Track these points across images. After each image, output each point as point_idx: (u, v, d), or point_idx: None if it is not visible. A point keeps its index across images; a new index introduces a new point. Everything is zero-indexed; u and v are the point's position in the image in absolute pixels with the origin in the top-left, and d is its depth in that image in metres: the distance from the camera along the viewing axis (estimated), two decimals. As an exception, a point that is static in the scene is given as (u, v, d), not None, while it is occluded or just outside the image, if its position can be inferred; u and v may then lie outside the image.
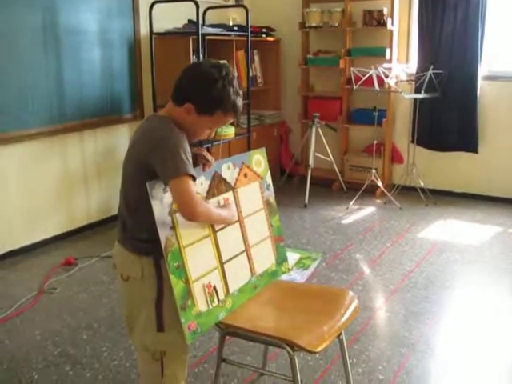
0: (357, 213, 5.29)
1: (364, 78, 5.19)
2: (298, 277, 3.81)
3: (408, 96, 5.41)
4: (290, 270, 2.54)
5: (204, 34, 4.94)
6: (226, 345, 2.21)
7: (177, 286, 1.94)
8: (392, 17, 5.50)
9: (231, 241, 2.20)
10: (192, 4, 4.52)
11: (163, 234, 1.93)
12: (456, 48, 5.37)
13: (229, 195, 2.21)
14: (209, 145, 4.83)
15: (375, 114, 5.42)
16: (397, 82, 5.52)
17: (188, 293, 1.97)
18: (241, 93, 2.08)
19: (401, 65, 5.68)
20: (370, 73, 5.18)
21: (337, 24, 5.77)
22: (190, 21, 5.03)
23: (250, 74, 5.58)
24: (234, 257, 2.20)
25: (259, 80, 6.30)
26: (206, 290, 2.05)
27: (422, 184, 5.60)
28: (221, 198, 2.18)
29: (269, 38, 6.12)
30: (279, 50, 6.36)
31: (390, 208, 5.40)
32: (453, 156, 5.65)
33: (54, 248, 4.43)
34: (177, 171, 1.84)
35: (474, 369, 2.81)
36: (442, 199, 5.60)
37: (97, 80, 4.69)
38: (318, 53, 6.09)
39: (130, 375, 2.76)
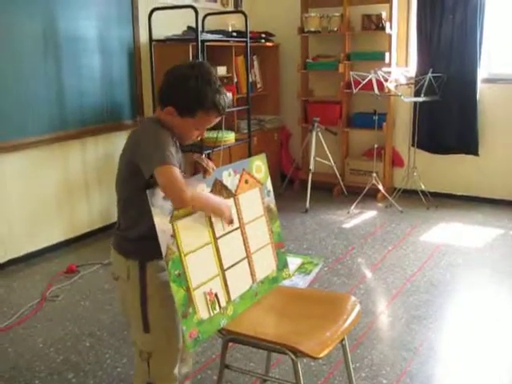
0: (358, 217, 5.29)
1: (364, 82, 5.20)
2: (300, 282, 3.81)
3: (408, 99, 5.42)
4: (290, 275, 2.54)
5: (203, 41, 4.95)
6: (228, 351, 2.21)
7: (178, 293, 1.94)
8: (390, 21, 5.51)
9: (232, 248, 2.20)
10: (191, 11, 4.53)
11: (164, 242, 1.93)
12: (455, 51, 5.38)
13: (230, 202, 2.22)
14: (209, 151, 4.84)
15: (375, 117, 5.42)
16: (396, 86, 5.52)
17: (189, 300, 1.98)
18: (223, 89, 2.04)
19: (400, 68, 5.69)
20: (370, 77, 5.19)
21: (336, 29, 5.78)
22: (189, 27, 5.04)
23: (250, 80, 5.59)
24: (235, 264, 2.20)
25: (259, 85, 6.31)
26: (208, 297, 2.05)
27: (423, 187, 5.60)
28: (222, 205, 2.18)
29: (268, 44, 6.14)
30: (278, 55, 6.37)
31: (391, 211, 5.40)
32: (453, 159, 5.65)
33: (56, 255, 4.43)
34: (162, 160, 1.85)
35: (477, 372, 2.81)
36: (443, 202, 5.60)
37: (97, 87, 4.70)
38: (318, 57, 6.10)
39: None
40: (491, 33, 5.36)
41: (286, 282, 2.50)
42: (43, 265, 4.26)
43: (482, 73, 5.36)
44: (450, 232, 4.85)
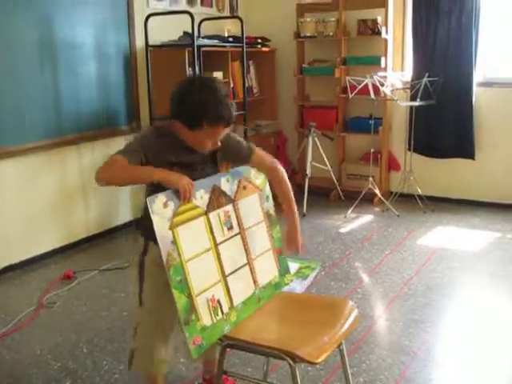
0: (355, 221, 5.30)
1: (360, 87, 5.22)
2: (297, 286, 3.80)
3: (404, 104, 5.44)
4: (291, 280, 2.55)
5: (199, 46, 4.96)
6: (226, 357, 2.21)
7: (180, 300, 1.94)
8: (386, 25, 5.53)
9: (233, 254, 2.20)
10: (187, 16, 4.54)
11: (165, 249, 1.93)
12: (450, 55, 5.40)
13: (229, 208, 2.22)
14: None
15: (371, 122, 5.43)
16: (392, 90, 5.54)
17: (191, 307, 1.97)
18: (227, 101, 2.08)
19: (396, 73, 5.71)
20: (366, 81, 5.21)
21: (331, 33, 5.79)
22: (185, 33, 5.05)
23: (246, 85, 5.60)
24: (237, 270, 2.21)
25: (255, 90, 6.31)
26: (210, 303, 2.05)
27: (420, 191, 5.61)
28: (221, 211, 2.18)
29: (264, 49, 6.14)
30: (274, 60, 6.38)
31: (387, 216, 5.41)
32: (450, 163, 5.66)
33: (53, 262, 4.42)
34: (119, 150, 2.09)
35: (476, 376, 2.81)
36: (440, 206, 5.61)
37: (93, 93, 4.70)
38: (314, 62, 6.11)
39: (131, 389, 2.76)
40: (486, 37, 5.38)
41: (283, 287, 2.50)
42: (40, 271, 4.25)
43: (477, 77, 5.38)
44: (446, 236, 4.86)
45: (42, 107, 4.29)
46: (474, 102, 5.38)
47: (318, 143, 5.68)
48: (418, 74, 5.45)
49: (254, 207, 2.38)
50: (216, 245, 2.14)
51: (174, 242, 1.97)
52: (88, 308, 3.64)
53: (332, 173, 5.83)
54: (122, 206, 5.13)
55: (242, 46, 5.26)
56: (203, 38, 5.16)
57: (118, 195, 5.08)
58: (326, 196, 6.03)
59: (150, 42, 4.86)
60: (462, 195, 5.70)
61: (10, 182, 4.17)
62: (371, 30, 5.65)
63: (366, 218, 5.37)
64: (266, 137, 6.28)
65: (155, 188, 2.03)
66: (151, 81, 4.87)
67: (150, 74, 4.87)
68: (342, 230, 5.05)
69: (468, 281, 3.97)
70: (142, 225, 2.22)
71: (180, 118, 2.10)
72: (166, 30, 5.07)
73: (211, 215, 2.14)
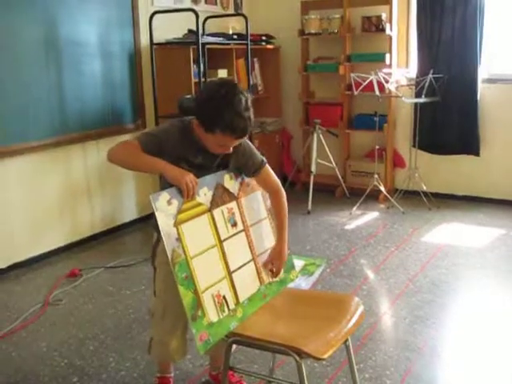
0: (360, 218, 5.29)
1: (364, 84, 5.21)
2: (303, 283, 3.81)
3: (408, 100, 5.43)
4: (297, 277, 2.56)
5: (204, 44, 4.97)
6: (232, 353, 2.21)
7: (186, 296, 1.95)
8: (391, 22, 5.52)
9: (238, 250, 2.21)
10: (191, 14, 4.55)
11: (169, 246, 1.94)
12: (455, 52, 5.38)
13: (233, 205, 2.23)
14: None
15: (376, 119, 5.43)
16: (397, 87, 5.53)
17: (198, 303, 1.98)
18: (246, 114, 2.06)
19: (401, 70, 5.70)
20: (371, 78, 5.20)
21: (336, 30, 5.79)
22: (189, 30, 5.06)
23: (251, 82, 5.60)
24: (242, 266, 2.22)
25: (260, 88, 6.32)
26: (216, 299, 2.06)
27: (425, 188, 5.60)
28: (225, 208, 2.19)
29: (268, 46, 6.15)
30: (279, 57, 6.38)
31: (393, 212, 5.40)
32: (454, 159, 5.65)
33: (59, 259, 4.43)
34: (139, 136, 2.16)
35: (482, 372, 2.81)
36: (445, 203, 5.61)
37: (98, 91, 4.71)
38: (318, 59, 6.11)
39: (138, 385, 2.77)
40: (491, 33, 5.36)
41: (289, 284, 2.51)
42: (46, 269, 4.27)
43: (482, 73, 5.37)
44: (451, 232, 4.85)
45: (47, 105, 4.30)
46: (478, 99, 5.37)
47: (323, 140, 5.68)
48: (422, 71, 5.44)
49: (258, 204, 2.39)
50: (220, 241, 2.15)
51: (179, 238, 1.98)
52: (94, 305, 3.65)
53: (337, 170, 5.83)
54: (127, 203, 5.15)
55: (247, 44, 5.26)
56: (208, 35, 5.16)
57: (123, 193, 5.09)
58: (331, 193, 6.03)
59: (155, 40, 4.87)
60: (467, 192, 5.69)
61: (15, 181, 4.19)
62: (376, 26, 5.65)
63: (371, 215, 5.37)
64: (270, 134, 6.28)
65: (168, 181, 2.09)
66: (156, 78, 4.88)
67: (154, 71, 4.87)
68: (348, 227, 5.05)
69: (473, 277, 3.96)
70: (154, 218, 2.25)
71: (198, 117, 2.13)
72: (170, 28, 5.09)
73: (215, 212, 2.15)
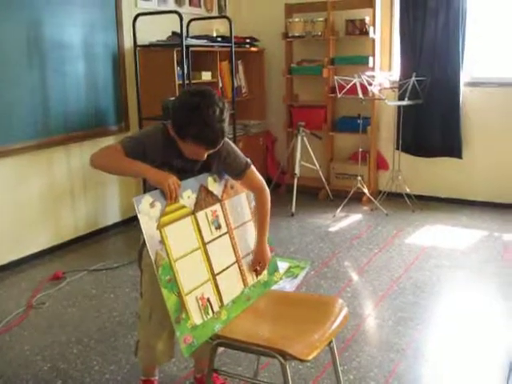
0: (344, 220, 5.32)
1: (348, 87, 5.24)
2: (288, 286, 3.82)
3: (392, 103, 5.47)
4: (281, 279, 2.56)
5: (188, 46, 4.96)
6: (216, 355, 2.21)
7: (169, 299, 1.95)
8: (374, 25, 5.56)
9: (222, 252, 2.21)
10: (175, 16, 4.54)
11: (153, 249, 1.94)
12: (438, 55, 5.43)
13: (216, 207, 2.23)
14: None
15: (360, 121, 5.46)
16: (380, 90, 5.57)
17: (181, 306, 1.98)
18: (218, 125, 2.05)
19: (384, 72, 5.74)
20: (354, 81, 5.23)
21: (320, 33, 5.81)
22: (173, 33, 5.05)
23: (235, 85, 5.61)
24: (226, 268, 2.22)
25: (244, 90, 6.32)
26: (200, 302, 2.05)
27: (408, 190, 5.64)
28: (208, 211, 2.19)
29: (252, 49, 6.16)
30: (263, 59, 6.40)
31: (376, 214, 5.43)
32: (437, 162, 5.70)
33: (42, 262, 4.40)
34: (122, 141, 2.15)
35: (465, 373, 2.84)
36: (428, 205, 5.65)
37: (82, 93, 4.69)
38: (302, 62, 6.13)
39: (122, 389, 2.76)
40: (473, 37, 5.42)
41: (274, 286, 2.51)
42: (29, 272, 4.23)
43: (464, 76, 5.43)
44: (434, 234, 4.89)
45: (30, 107, 4.27)
46: (461, 102, 5.42)
47: (307, 143, 5.70)
48: (405, 74, 5.48)
49: (242, 206, 2.39)
50: (204, 244, 2.15)
51: (162, 241, 1.98)
52: (78, 308, 3.63)
53: (321, 172, 5.85)
54: (110, 206, 5.12)
55: (231, 46, 5.26)
56: (192, 37, 5.16)
57: (106, 195, 5.07)
58: (315, 195, 6.05)
59: (139, 42, 4.85)
60: (450, 194, 5.74)
61: (-2, 183, 4.16)
62: (359, 29, 5.68)
63: (355, 217, 5.40)
64: (254, 137, 6.29)
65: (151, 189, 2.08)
66: (140, 81, 4.87)
67: (138, 73, 4.86)
68: (331, 230, 5.06)
69: (456, 278, 3.99)
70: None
71: (172, 123, 2.14)
72: (154, 30, 5.07)
73: (199, 215, 2.15)
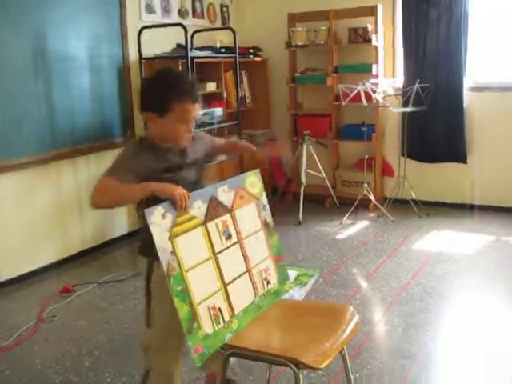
0: (351, 227, 5.32)
1: (352, 95, 5.26)
2: (297, 294, 3.82)
3: (396, 110, 5.48)
4: (291, 287, 2.57)
5: (193, 57, 4.99)
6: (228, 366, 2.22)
7: (182, 309, 1.96)
8: (376, 33, 5.58)
9: (233, 262, 2.22)
10: (180, 28, 4.58)
11: (164, 259, 1.95)
12: (441, 61, 5.45)
13: (227, 218, 2.24)
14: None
15: (364, 129, 5.47)
16: (384, 97, 5.58)
17: (193, 316, 1.99)
18: (189, 79, 2.23)
19: (387, 80, 5.76)
20: (358, 89, 5.25)
21: (323, 42, 5.84)
22: (178, 45, 5.09)
23: (239, 95, 5.64)
24: (237, 278, 2.22)
25: (248, 100, 6.35)
26: (211, 312, 2.06)
27: (414, 196, 5.65)
28: (219, 221, 2.20)
29: (256, 58, 6.19)
30: (267, 69, 6.43)
31: (383, 221, 5.44)
32: (442, 167, 5.71)
33: (52, 275, 4.42)
34: (107, 171, 2.13)
35: (476, 377, 2.83)
36: (435, 210, 5.65)
37: (87, 106, 4.72)
38: (306, 71, 6.16)
39: (134, 400, 2.77)
40: (476, 42, 5.44)
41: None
42: (39, 285, 4.25)
43: (468, 82, 5.44)
44: (442, 240, 4.89)
45: (37, 121, 4.30)
46: (465, 107, 5.44)
47: (313, 151, 5.71)
48: (409, 81, 5.50)
49: (252, 216, 2.40)
50: (215, 254, 2.16)
51: (174, 252, 2.00)
52: (88, 321, 3.64)
53: (327, 180, 5.86)
54: (117, 218, 5.14)
55: (235, 57, 5.30)
56: (196, 49, 5.20)
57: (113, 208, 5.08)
58: (322, 203, 6.05)
59: (144, 55, 4.89)
60: (456, 199, 5.74)
61: (5, 197, 4.18)
62: (362, 37, 5.71)
63: (362, 224, 5.40)
64: (260, 146, 6.29)
65: (147, 206, 1.99)
66: (145, 93, 4.89)
67: (143, 86, 4.88)
68: (339, 237, 5.07)
69: (464, 284, 3.99)
70: (145, 244, 2.20)
71: (150, 108, 2.18)
72: (159, 43, 5.11)
73: (209, 225, 2.16)
